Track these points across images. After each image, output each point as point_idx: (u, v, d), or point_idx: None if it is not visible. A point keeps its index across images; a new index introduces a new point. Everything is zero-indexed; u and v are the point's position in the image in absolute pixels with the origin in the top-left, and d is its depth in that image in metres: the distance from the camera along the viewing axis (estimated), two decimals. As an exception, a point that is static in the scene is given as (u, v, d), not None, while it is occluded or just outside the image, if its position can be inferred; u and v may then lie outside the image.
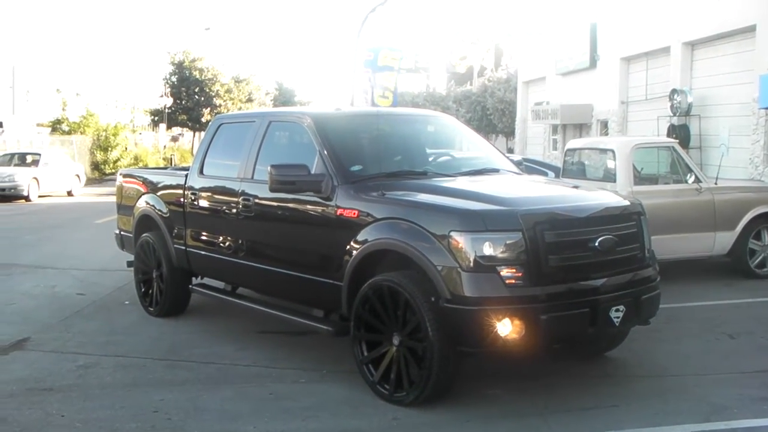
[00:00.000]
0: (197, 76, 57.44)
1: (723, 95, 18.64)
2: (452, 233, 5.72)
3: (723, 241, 11.16)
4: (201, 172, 8.53)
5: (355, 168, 6.97)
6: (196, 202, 8.47)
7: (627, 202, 6.77)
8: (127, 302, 9.88)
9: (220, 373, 7.02)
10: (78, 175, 30.83)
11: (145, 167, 29.06)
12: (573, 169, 12.40)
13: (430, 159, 7.76)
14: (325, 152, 6.95)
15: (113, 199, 10.95)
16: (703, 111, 19.23)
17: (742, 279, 11.19)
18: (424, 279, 5.84)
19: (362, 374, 6.35)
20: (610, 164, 11.33)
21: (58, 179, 28.91)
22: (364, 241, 6.33)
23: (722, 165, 13.61)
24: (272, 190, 6.97)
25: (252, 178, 7.67)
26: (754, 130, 17.12)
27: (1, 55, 53.57)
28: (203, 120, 56.62)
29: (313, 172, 6.87)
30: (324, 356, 7.35)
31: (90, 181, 34.90)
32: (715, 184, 11.39)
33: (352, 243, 6.43)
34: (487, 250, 5.63)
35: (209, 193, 8.32)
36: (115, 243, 10.70)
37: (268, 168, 6.87)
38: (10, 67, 55.39)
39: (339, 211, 6.61)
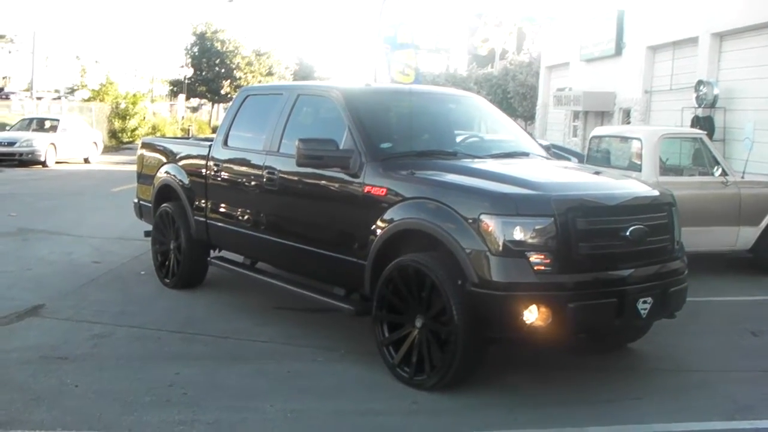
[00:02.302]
0: (218, 48, 57.45)
1: (750, 88, 18.33)
2: (482, 216, 5.59)
3: (747, 236, 11.00)
4: (225, 143, 8.41)
5: (385, 145, 6.85)
6: (219, 174, 8.36)
7: (658, 192, 6.63)
8: (142, 272, 9.81)
9: (237, 349, 6.94)
10: (95, 143, 30.80)
11: (164, 137, 28.98)
12: (597, 157, 12.22)
13: (459, 140, 7.64)
14: (355, 128, 6.82)
15: (130, 167, 10.89)
16: (729, 103, 18.96)
17: (764, 275, 11.01)
18: (451, 261, 5.72)
19: (382, 356, 6.25)
20: (636, 153, 11.16)
21: (75, 146, 28.86)
22: (391, 221, 6.21)
23: (747, 159, 13.40)
24: (299, 164, 6.84)
25: (278, 151, 7.55)
26: (780, 125, 16.88)
27: (23, 22, 53.73)
28: (223, 92, 56.59)
29: (341, 147, 6.75)
30: (341, 335, 7.26)
31: (107, 149, 34.79)
32: (742, 178, 11.22)
33: (378, 222, 6.31)
34: (518, 234, 5.51)
35: (233, 165, 8.21)
36: (133, 212, 10.63)
37: (296, 142, 6.76)
38: (30, 33, 55.45)
39: (366, 189, 6.49)
